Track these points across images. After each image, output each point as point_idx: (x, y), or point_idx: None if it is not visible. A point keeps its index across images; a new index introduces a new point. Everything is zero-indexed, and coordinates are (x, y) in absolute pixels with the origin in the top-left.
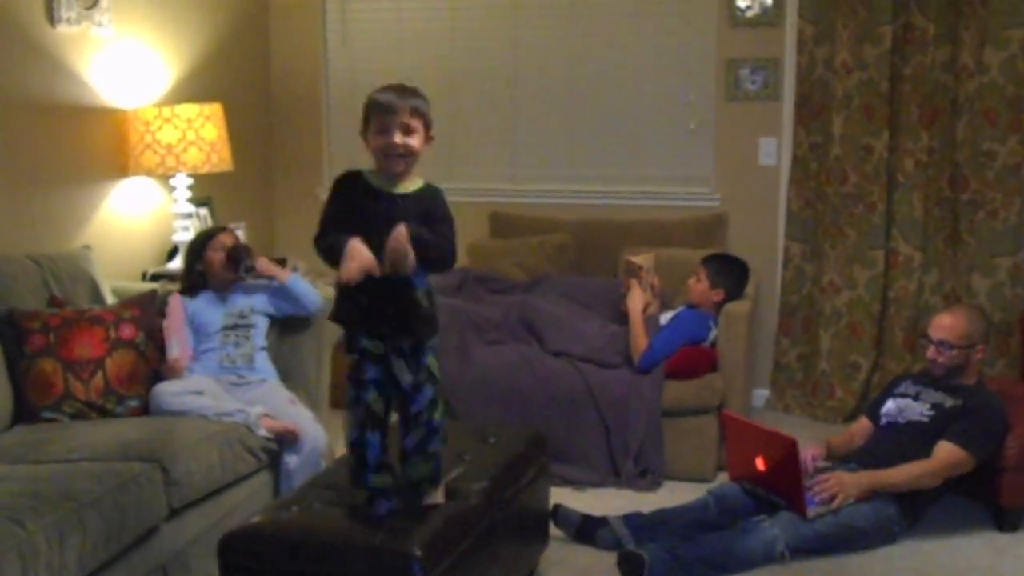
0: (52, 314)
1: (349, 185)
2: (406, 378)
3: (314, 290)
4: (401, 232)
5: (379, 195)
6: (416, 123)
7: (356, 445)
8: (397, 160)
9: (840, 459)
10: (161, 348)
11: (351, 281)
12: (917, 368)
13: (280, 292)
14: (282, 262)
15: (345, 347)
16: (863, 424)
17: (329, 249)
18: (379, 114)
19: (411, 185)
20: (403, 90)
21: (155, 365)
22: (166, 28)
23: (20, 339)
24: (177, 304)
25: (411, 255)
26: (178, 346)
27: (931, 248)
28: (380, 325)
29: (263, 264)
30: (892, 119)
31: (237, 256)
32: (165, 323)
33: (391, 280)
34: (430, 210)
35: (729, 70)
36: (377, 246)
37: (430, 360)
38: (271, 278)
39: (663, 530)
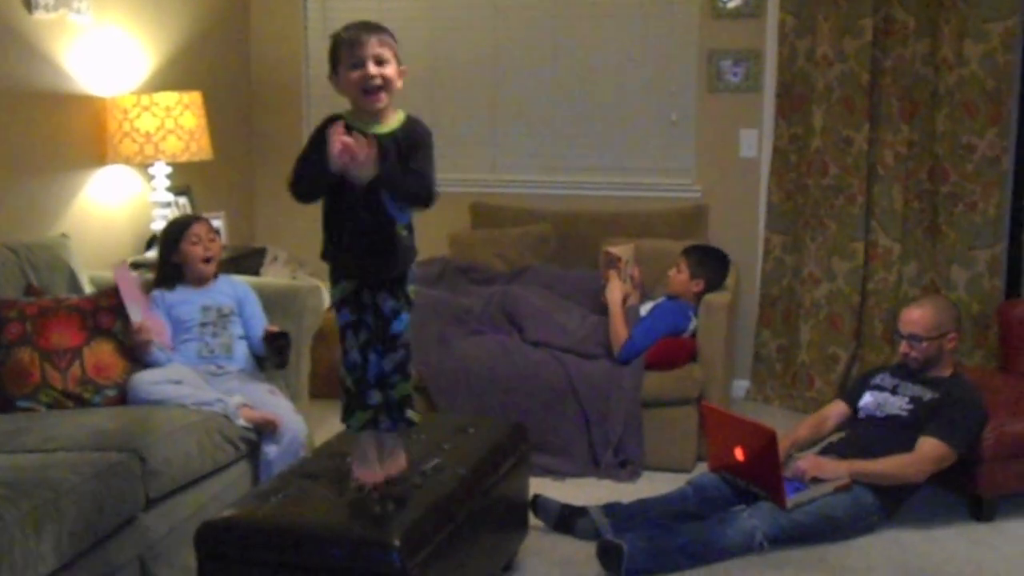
0: (29, 303)
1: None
2: (389, 304)
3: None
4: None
5: (363, 136)
6: (387, 53)
7: (357, 367)
8: (376, 94)
9: (821, 451)
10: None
11: (342, 159)
12: (895, 360)
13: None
14: (261, 252)
15: (332, 276)
16: (838, 408)
17: (306, 177)
18: (348, 49)
19: (392, 122)
20: (367, 24)
21: (129, 345)
22: (145, 15)
23: None
24: (124, 272)
25: (369, 161)
26: (138, 312)
27: (910, 240)
28: (365, 264)
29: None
30: (872, 111)
31: (285, 344)
32: (120, 294)
33: (370, 219)
34: (411, 144)
35: (710, 62)
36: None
37: (410, 287)
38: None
39: (642, 520)
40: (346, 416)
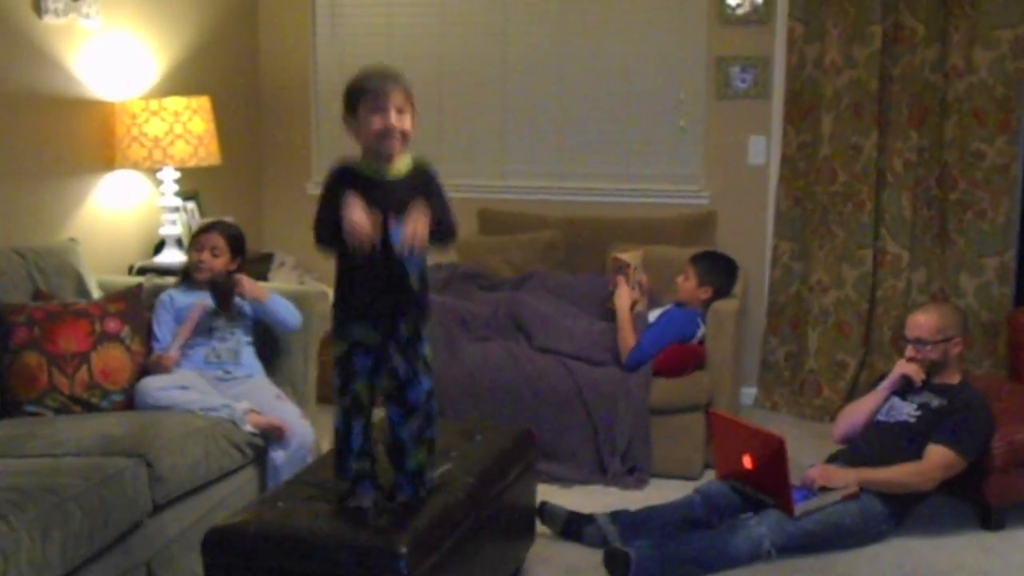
0: (37, 307)
1: (342, 182)
2: (402, 368)
3: (293, 309)
4: (418, 224)
5: (373, 184)
6: (406, 104)
7: (339, 433)
8: (393, 142)
9: (828, 459)
10: (147, 342)
11: (364, 240)
12: None
13: (260, 310)
14: (268, 257)
15: (333, 333)
16: None
17: (330, 237)
18: (371, 99)
19: (402, 165)
20: (387, 74)
21: (140, 359)
22: (154, 20)
23: (4, 332)
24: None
25: (425, 240)
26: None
27: (919, 247)
28: (377, 311)
29: (248, 287)
30: (881, 118)
31: (224, 289)
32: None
33: (383, 265)
34: (427, 190)
35: (719, 68)
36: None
37: (426, 350)
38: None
39: (650, 528)
40: (336, 471)
